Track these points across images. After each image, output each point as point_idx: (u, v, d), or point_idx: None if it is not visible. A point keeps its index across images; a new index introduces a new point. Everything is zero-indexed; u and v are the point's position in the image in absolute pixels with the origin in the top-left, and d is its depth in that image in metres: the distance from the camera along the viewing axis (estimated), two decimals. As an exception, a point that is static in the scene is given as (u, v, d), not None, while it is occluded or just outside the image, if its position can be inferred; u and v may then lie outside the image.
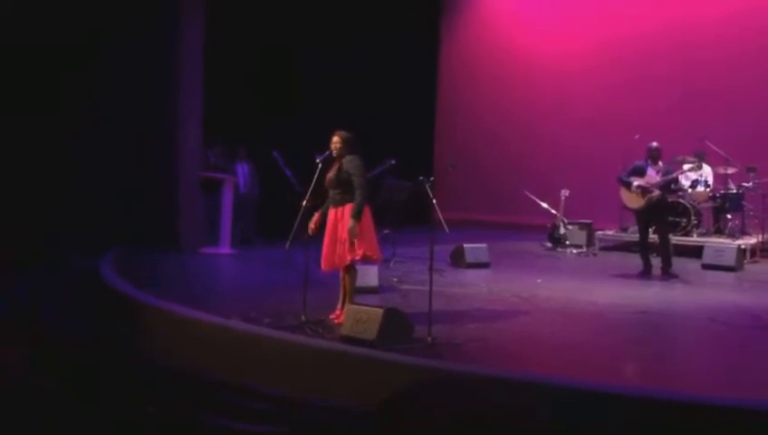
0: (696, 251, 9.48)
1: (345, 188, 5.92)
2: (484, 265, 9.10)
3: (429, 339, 5.32)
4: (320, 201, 6.06)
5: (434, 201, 5.85)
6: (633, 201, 8.55)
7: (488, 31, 14.63)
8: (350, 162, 5.89)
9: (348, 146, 5.99)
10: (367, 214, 5.99)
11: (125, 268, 7.90)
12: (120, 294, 6.80)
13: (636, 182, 8.43)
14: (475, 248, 9.21)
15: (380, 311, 5.31)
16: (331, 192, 6.01)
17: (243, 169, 10.87)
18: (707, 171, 10.48)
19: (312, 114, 11.40)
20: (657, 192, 8.39)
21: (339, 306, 6.08)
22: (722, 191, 10.34)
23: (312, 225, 5.95)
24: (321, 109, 11.42)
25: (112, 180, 9.57)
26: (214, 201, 10.03)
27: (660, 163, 8.54)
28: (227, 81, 10.94)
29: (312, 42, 12.08)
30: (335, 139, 6.01)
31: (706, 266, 9.08)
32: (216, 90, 10.33)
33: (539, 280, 8.15)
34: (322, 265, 6.00)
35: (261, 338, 5.39)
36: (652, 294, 7.58)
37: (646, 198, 8.40)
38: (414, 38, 13.89)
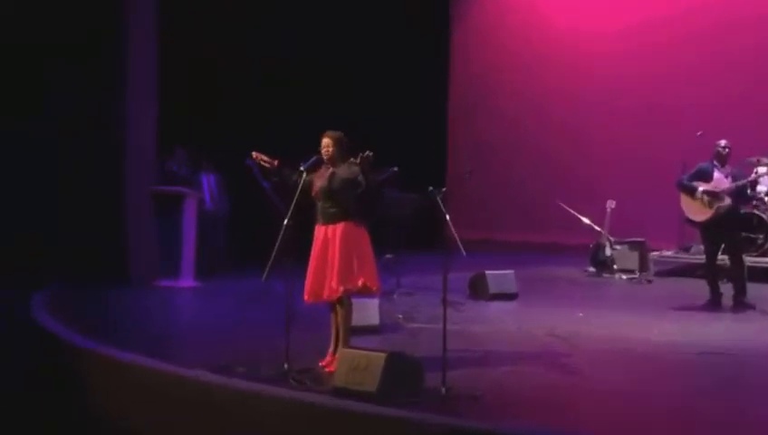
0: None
1: (338, 201, 5.95)
2: (511, 297, 9.12)
3: (443, 390, 5.31)
4: (304, 220, 6.06)
5: (447, 217, 5.86)
6: (698, 212, 8.55)
7: (509, 10, 14.69)
8: (351, 169, 5.94)
9: (341, 148, 6.04)
10: (364, 234, 6.00)
11: (62, 308, 7.89)
12: (56, 339, 6.81)
13: (701, 187, 8.43)
14: (499, 275, 9.23)
15: (382, 356, 5.30)
16: (321, 205, 6.02)
17: (208, 181, 10.87)
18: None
19: (300, 113, 11.50)
20: (727, 200, 8.39)
21: (330, 351, 6.07)
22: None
23: (258, 155, 6.08)
24: (307, 105, 11.51)
25: (44, 192, 9.60)
26: (172, 221, 10.04)
27: (728, 166, 8.56)
28: (190, 72, 11.03)
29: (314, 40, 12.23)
30: (326, 141, 6.04)
31: (790, 294, 9.08)
32: (179, 83, 10.43)
33: (579, 314, 8.16)
34: (306, 296, 6.01)
35: (233, 392, 5.37)
36: (723, 330, 7.56)
37: (714, 208, 8.38)
38: (420, 23, 13.98)
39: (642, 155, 12.75)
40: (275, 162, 6.13)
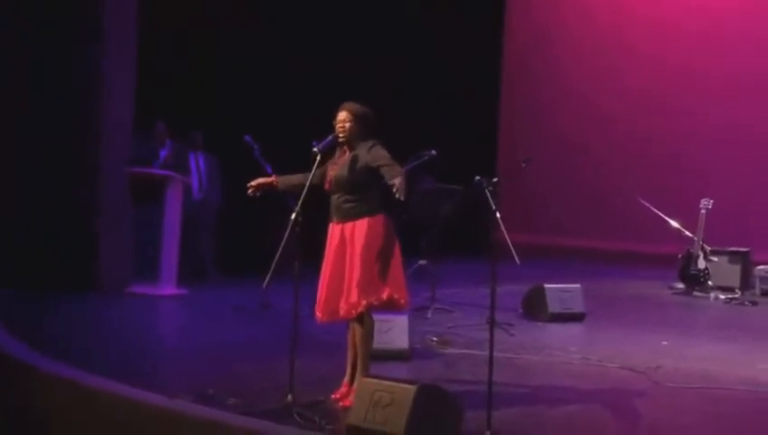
0: None
1: (358, 193, 5.93)
2: (577, 318, 9.13)
3: (488, 434, 5.31)
4: (318, 212, 6.07)
5: (498, 216, 5.84)
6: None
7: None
8: (371, 151, 5.90)
9: (363, 126, 6.01)
10: (390, 234, 6.00)
11: (12, 319, 7.95)
12: (3, 358, 6.86)
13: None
14: (561, 291, 9.24)
15: (411, 389, 5.30)
16: (336, 199, 6.02)
17: (197, 163, 10.93)
18: None
19: (315, 84, 11.56)
20: None
21: (345, 380, 6.09)
22: None
23: (253, 184, 6.12)
24: (324, 74, 11.55)
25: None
26: (152, 213, 10.10)
27: None
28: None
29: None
30: (342, 115, 6.01)
31: None
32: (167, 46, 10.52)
33: (663, 343, 8.16)
34: (318, 314, 6.02)
35: (224, 428, 5.38)
36: None
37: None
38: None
39: (747, 145, 12.66)
40: (272, 179, 6.23)
